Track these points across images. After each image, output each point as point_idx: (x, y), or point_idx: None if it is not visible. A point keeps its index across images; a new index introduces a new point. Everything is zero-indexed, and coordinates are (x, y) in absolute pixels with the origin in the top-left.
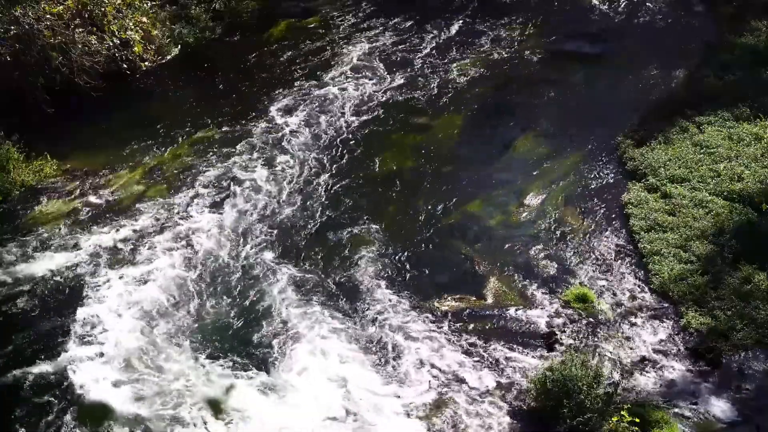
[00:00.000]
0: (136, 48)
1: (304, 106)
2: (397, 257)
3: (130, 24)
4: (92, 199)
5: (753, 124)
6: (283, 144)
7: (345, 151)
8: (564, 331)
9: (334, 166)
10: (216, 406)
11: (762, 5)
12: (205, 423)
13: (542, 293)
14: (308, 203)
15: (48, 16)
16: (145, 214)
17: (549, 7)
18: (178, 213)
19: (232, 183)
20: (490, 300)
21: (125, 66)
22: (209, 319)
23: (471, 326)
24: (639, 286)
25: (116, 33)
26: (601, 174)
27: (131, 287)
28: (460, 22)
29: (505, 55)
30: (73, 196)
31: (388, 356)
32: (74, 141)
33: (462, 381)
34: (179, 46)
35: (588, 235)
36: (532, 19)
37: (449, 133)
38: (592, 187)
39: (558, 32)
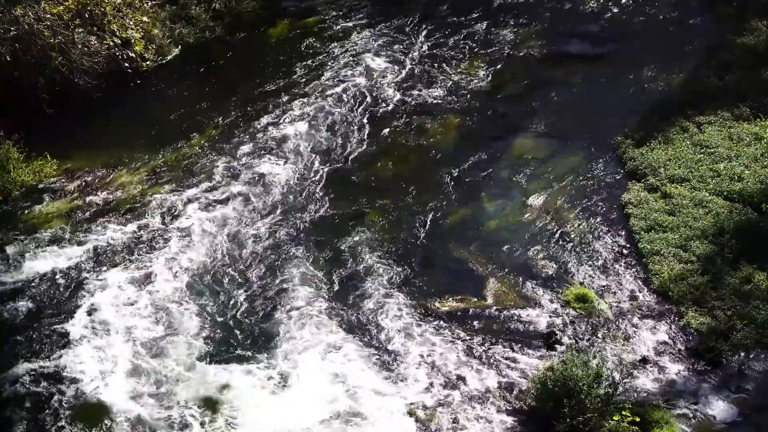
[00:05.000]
0: (137, 47)
1: (303, 106)
2: (397, 258)
3: (131, 23)
4: (92, 199)
5: (753, 124)
6: (282, 144)
7: (344, 153)
8: (564, 331)
9: (333, 167)
10: (216, 405)
11: (762, 5)
12: (204, 421)
13: (542, 293)
14: (308, 204)
15: (48, 16)
16: (145, 214)
17: (549, 7)
18: (178, 213)
19: (232, 183)
20: (490, 300)
21: (127, 65)
22: (209, 317)
23: (471, 326)
24: (639, 286)
25: (116, 32)
26: (601, 174)
27: (131, 286)
28: (461, 22)
29: (506, 56)
30: (73, 196)
31: (388, 355)
32: (74, 141)
33: (462, 380)
34: (179, 46)
35: (588, 235)
36: (532, 20)
37: (449, 133)
38: (592, 187)
39: (558, 32)
